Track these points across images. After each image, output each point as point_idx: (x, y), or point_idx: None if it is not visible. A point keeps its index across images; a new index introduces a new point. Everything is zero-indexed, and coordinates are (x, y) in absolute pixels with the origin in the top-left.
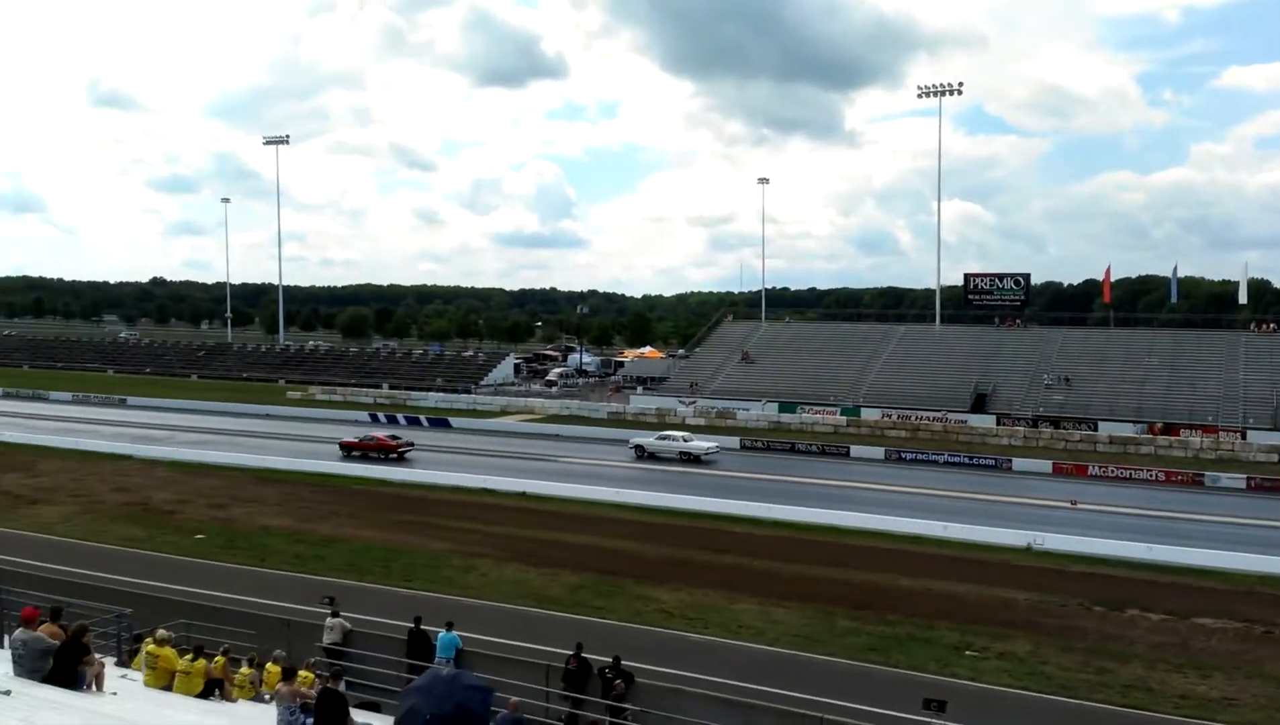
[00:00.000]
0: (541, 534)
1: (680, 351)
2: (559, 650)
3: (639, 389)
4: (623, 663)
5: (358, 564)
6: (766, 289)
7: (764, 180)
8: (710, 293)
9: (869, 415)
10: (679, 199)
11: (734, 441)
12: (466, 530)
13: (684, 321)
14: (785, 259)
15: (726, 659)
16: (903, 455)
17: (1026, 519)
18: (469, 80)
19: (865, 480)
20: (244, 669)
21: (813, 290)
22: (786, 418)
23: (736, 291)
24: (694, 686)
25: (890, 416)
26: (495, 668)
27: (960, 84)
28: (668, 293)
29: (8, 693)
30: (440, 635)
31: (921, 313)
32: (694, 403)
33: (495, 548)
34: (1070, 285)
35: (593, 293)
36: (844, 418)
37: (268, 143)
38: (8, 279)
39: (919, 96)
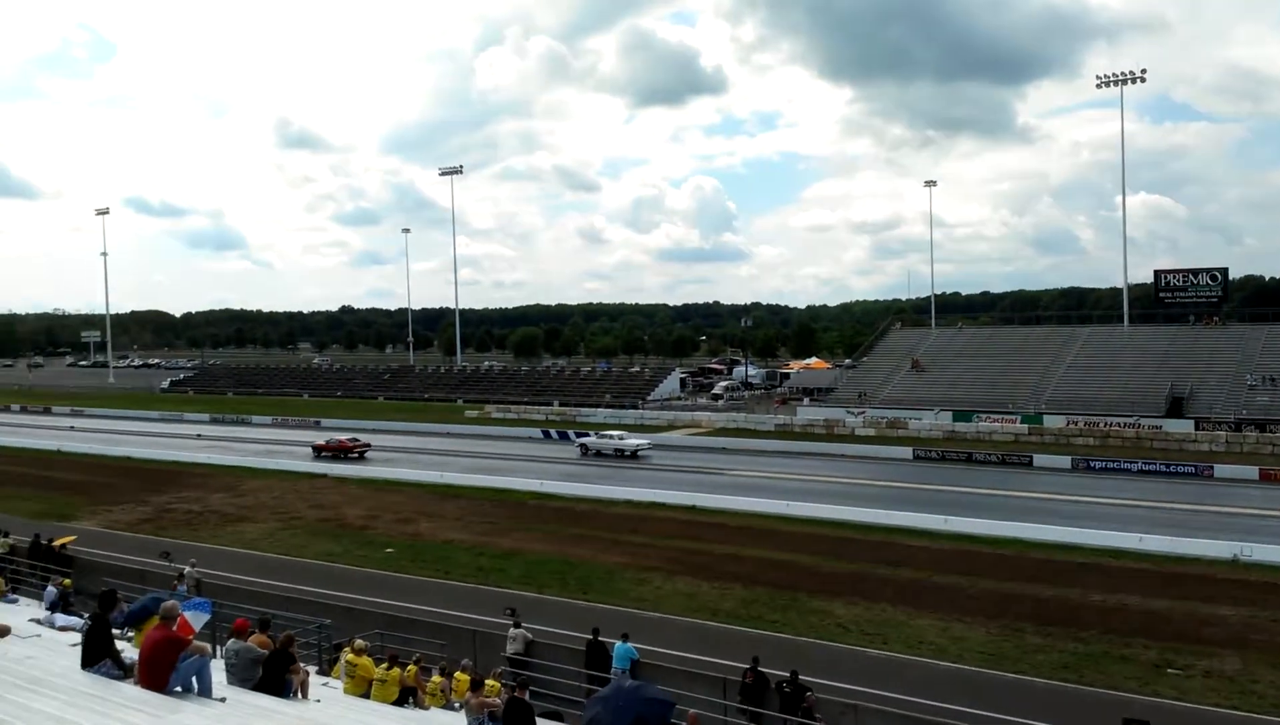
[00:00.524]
0: (712, 547)
1: (847, 361)
2: (734, 664)
3: (805, 400)
4: (800, 677)
5: (535, 577)
6: (936, 294)
7: (930, 183)
8: (875, 301)
9: (1052, 423)
10: (841, 207)
11: (907, 452)
12: (638, 544)
13: (849, 331)
14: (954, 263)
15: (908, 676)
16: (1091, 464)
17: (1232, 529)
18: (629, 101)
19: (1051, 491)
20: (435, 677)
21: (985, 294)
22: (962, 427)
23: (903, 298)
24: (875, 703)
25: (1076, 423)
26: (671, 680)
27: (1143, 71)
28: (831, 302)
29: (223, 700)
30: (616, 646)
31: (1107, 313)
32: (863, 413)
33: (667, 561)
34: (1273, 278)
35: (755, 305)
36: (1025, 426)
37: (443, 174)
38: (212, 312)
39: (1098, 87)
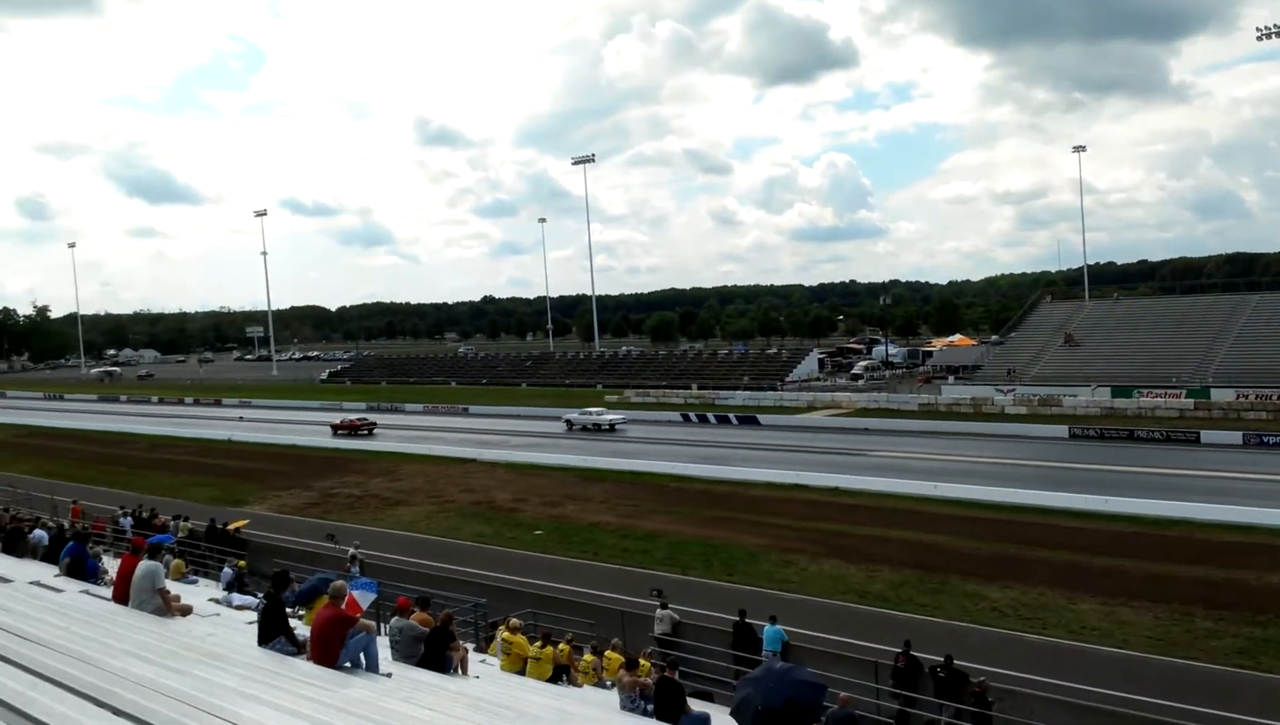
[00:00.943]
0: (857, 529)
1: (994, 337)
2: (885, 648)
3: (950, 379)
4: (955, 662)
5: (679, 558)
6: (1089, 265)
7: (1079, 148)
8: (1023, 274)
9: (1220, 396)
10: (982, 177)
11: (1062, 430)
12: (781, 525)
13: (995, 306)
14: (1108, 231)
15: (1071, 661)
16: (1265, 439)
17: None
18: (757, 80)
19: (1220, 468)
20: (587, 656)
21: (1143, 263)
22: (1121, 403)
23: (1053, 271)
24: (1037, 690)
25: (1247, 397)
26: (821, 663)
27: None
28: (975, 277)
29: (389, 675)
30: (766, 629)
31: (1277, 279)
32: (1012, 390)
33: (811, 542)
34: None
35: (894, 282)
36: (1190, 400)
37: (576, 163)
38: (364, 305)
39: (1258, 39)
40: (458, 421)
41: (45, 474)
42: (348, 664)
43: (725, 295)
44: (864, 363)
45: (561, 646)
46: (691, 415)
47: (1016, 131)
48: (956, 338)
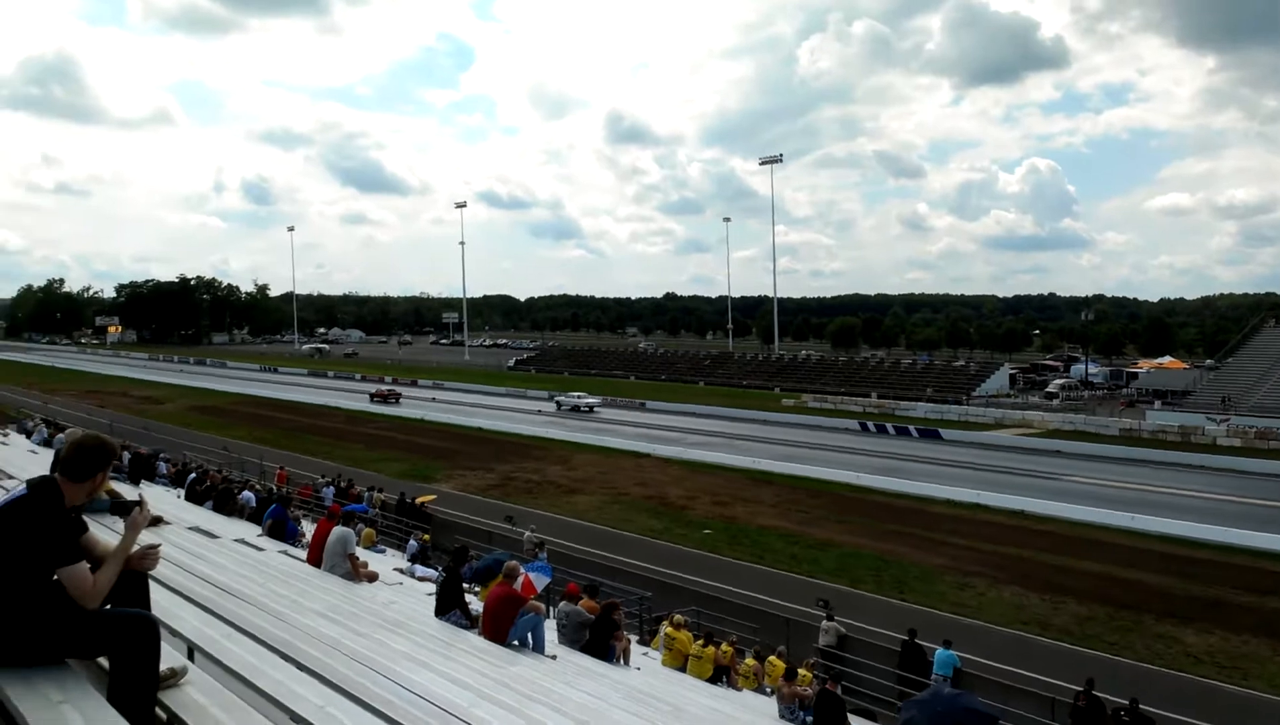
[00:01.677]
0: (1043, 557)
1: (1208, 362)
2: (1065, 684)
3: (1156, 403)
4: (1140, 706)
5: (849, 570)
6: None
7: None
8: (1245, 294)
9: None
10: (1203, 188)
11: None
12: (960, 546)
13: (1211, 327)
14: None
15: (1273, 718)
16: None
17: None
18: (957, 81)
19: None
20: (749, 660)
21: None
22: None
23: None
24: None
25: None
26: (994, 694)
27: None
28: (1189, 295)
29: (554, 657)
30: (937, 652)
31: None
32: (1227, 420)
33: (991, 567)
34: None
35: (1098, 297)
36: None
37: (763, 163)
38: (551, 297)
39: None
40: (634, 415)
41: (257, 440)
42: (515, 642)
43: (911, 303)
44: (1060, 381)
45: (724, 647)
46: (870, 425)
47: (1243, 140)
48: (1166, 360)
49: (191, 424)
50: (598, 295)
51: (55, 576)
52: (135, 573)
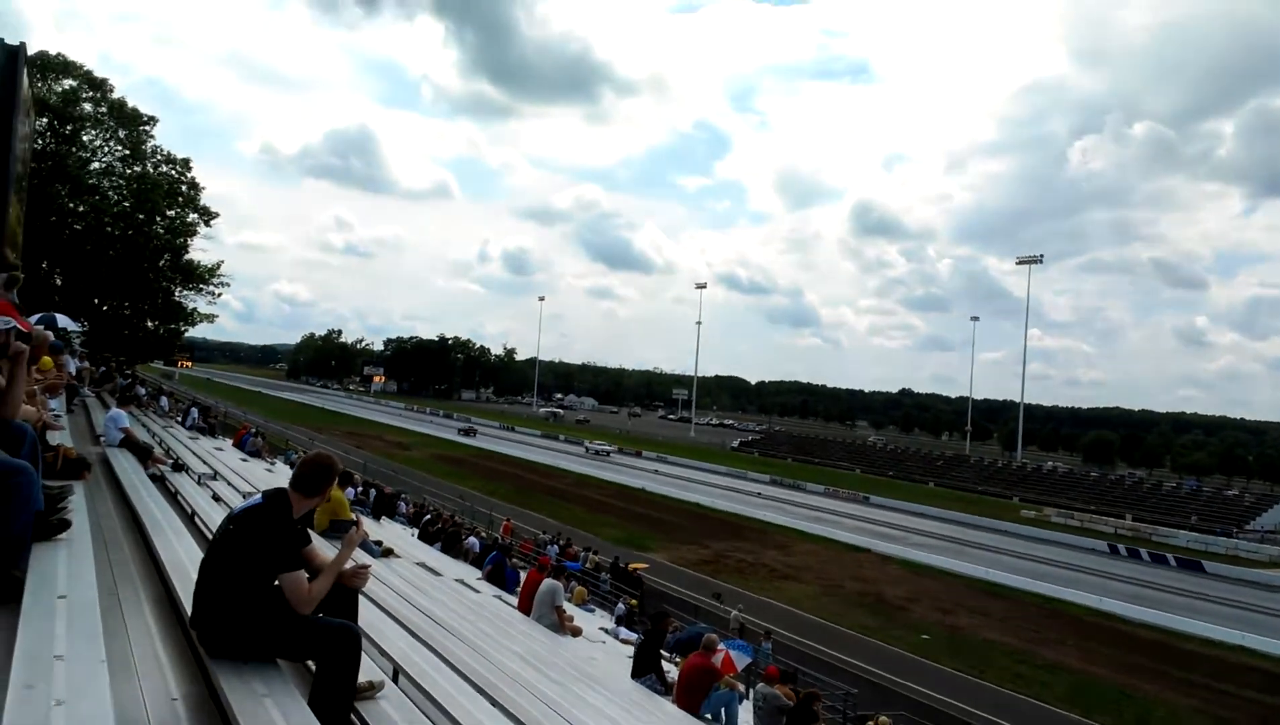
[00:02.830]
0: None
1: None
2: None
3: None
4: None
5: (1082, 699)
6: None
7: None
8: None
9: None
10: None
11: None
12: (1217, 689)
13: None
14: None
15: None
16: None
17: None
18: (1250, 189)
19: None
20: None
21: None
22: None
23: None
24: None
25: None
26: None
27: None
28: None
29: None
30: None
31: None
32: None
33: (1255, 717)
34: None
35: None
36: None
37: (1020, 263)
38: (782, 383)
39: None
40: (856, 508)
41: (489, 493)
42: (708, 715)
43: (1180, 422)
44: None
45: None
46: (1121, 548)
47: None
48: None
49: (434, 471)
50: (829, 385)
51: (276, 582)
52: (346, 587)
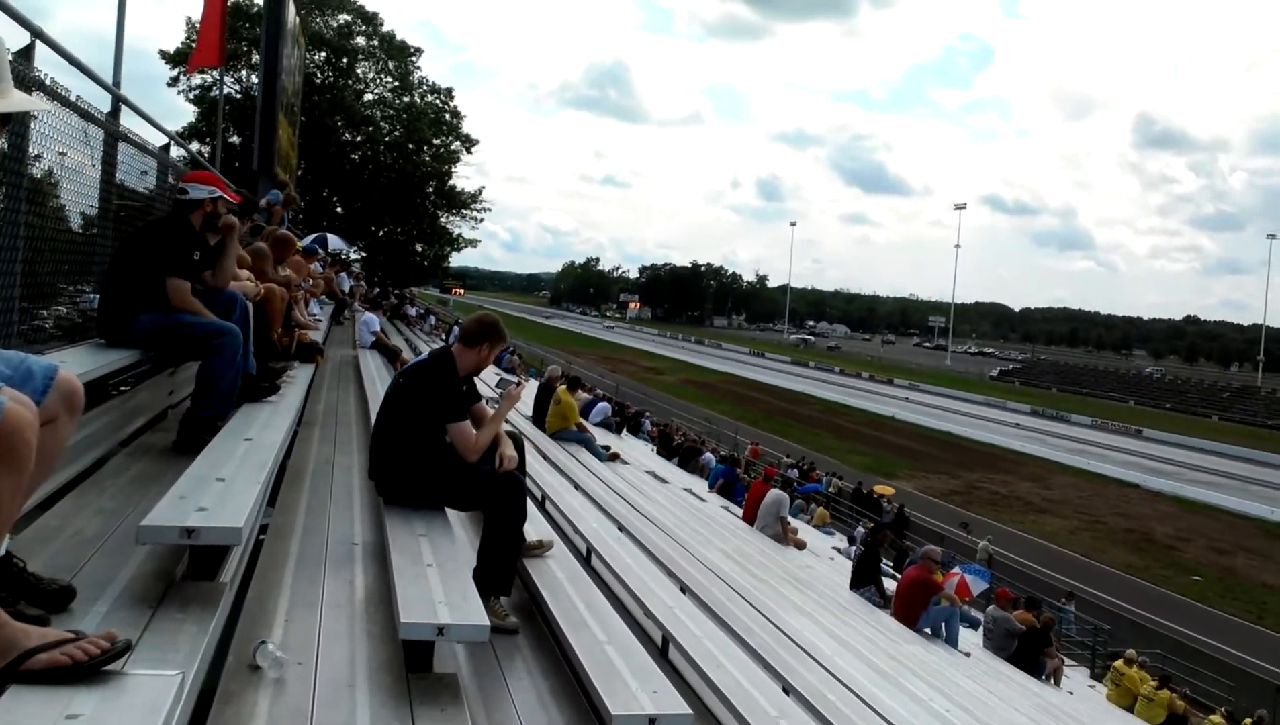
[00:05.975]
0: None
1: None
2: None
3: None
4: None
5: None
6: None
7: None
8: None
9: None
10: None
11: None
12: None
13: None
14: None
15: None
16: None
17: None
18: None
19: None
20: (1214, 717)
21: None
22: None
23: None
24: None
25: None
26: None
27: None
28: None
29: (967, 654)
30: None
31: None
32: None
33: None
34: None
35: None
36: None
37: None
38: (1048, 309)
39: None
40: (1127, 442)
41: (736, 417)
42: (927, 630)
43: None
44: None
45: (1177, 698)
46: None
47: None
48: None
49: (683, 395)
50: (1102, 311)
51: (445, 435)
52: (513, 438)
